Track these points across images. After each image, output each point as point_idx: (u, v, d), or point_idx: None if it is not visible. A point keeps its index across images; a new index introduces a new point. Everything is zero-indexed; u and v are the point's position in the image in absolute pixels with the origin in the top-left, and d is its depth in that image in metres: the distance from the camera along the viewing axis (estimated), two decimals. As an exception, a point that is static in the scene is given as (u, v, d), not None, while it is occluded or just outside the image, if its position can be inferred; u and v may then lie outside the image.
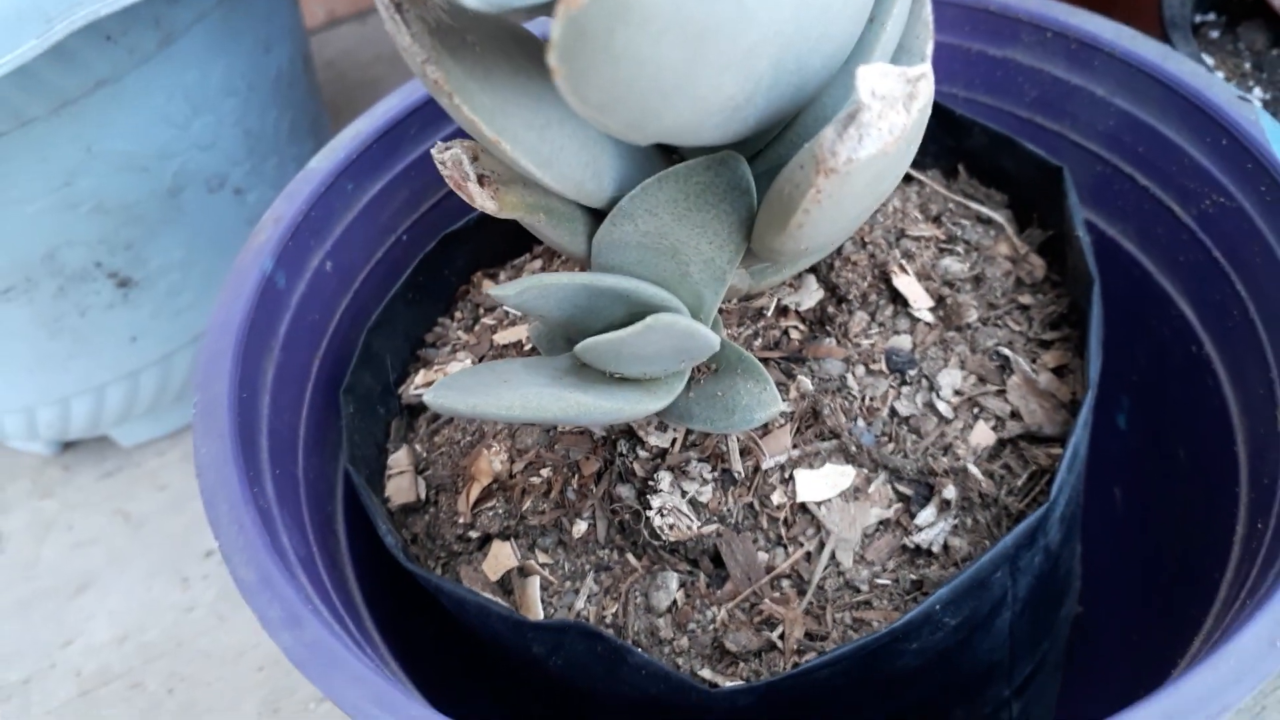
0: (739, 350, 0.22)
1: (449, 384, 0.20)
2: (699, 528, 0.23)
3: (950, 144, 0.28)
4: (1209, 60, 0.33)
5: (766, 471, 0.23)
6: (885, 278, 0.25)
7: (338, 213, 0.27)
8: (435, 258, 0.28)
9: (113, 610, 0.40)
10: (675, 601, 0.23)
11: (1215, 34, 0.35)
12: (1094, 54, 0.27)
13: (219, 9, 0.34)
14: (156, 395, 0.41)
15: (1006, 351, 0.24)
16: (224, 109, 0.36)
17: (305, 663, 0.17)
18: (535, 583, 0.23)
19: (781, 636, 0.22)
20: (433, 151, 0.19)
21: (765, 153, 0.21)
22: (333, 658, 0.17)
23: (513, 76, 0.17)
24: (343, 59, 0.64)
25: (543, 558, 0.24)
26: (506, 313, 0.28)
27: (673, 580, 0.23)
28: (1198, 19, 0.35)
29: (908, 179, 0.28)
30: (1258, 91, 0.32)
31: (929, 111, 0.17)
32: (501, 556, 0.24)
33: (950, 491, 0.22)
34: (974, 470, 0.23)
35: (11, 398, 0.39)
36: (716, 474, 0.23)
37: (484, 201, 0.20)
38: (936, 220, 0.27)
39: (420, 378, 0.27)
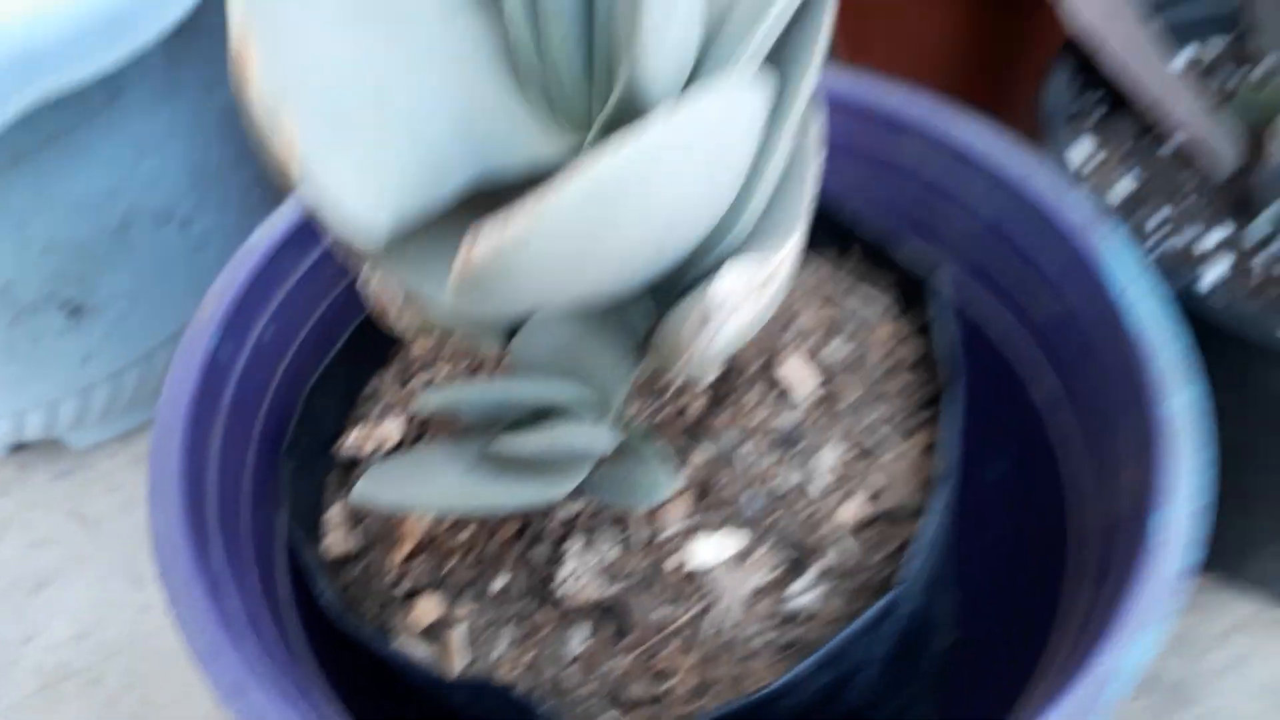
0: (641, 434, 0.25)
1: (375, 477, 0.23)
2: (603, 591, 0.26)
3: (839, 237, 0.31)
4: (1085, 148, 0.36)
5: (665, 538, 0.26)
6: (778, 358, 0.28)
7: (278, 282, 0.30)
8: (371, 319, 0.31)
9: (71, 608, 0.43)
10: (583, 652, 0.26)
11: (1096, 116, 0.38)
12: (968, 161, 0.30)
13: (163, 60, 0.36)
14: (108, 406, 0.44)
15: (880, 432, 0.27)
16: (169, 150, 0.38)
17: (249, 736, 0.20)
18: (458, 632, 0.26)
19: (673, 687, 0.25)
20: (358, 284, 0.22)
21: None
22: (273, 731, 0.20)
23: (431, 247, 0.20)
24: None
25: (465, 609, 0.27)
26: (435, 375, 0.30)
27: (581, 633, 0.26)
28: (1082, 95, 0.38)
29: (807, 260, 0.31)
30: (1124, 183, 0.35)
31: (790, 269, 0.20)
32: (428, 608, 0.27)
33: (822, 561, 0.26)
34: (844, 543, 0.26)
35: (-32, 413, 0.41)
36: (622, 538, 0.26)
37: (404, 327, 0.22)
38: (825, 302, 0.30)
39: (354, 435, 0.30)
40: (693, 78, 0.22)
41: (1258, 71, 0.39)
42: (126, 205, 0.37)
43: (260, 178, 0.44)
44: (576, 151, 0.21)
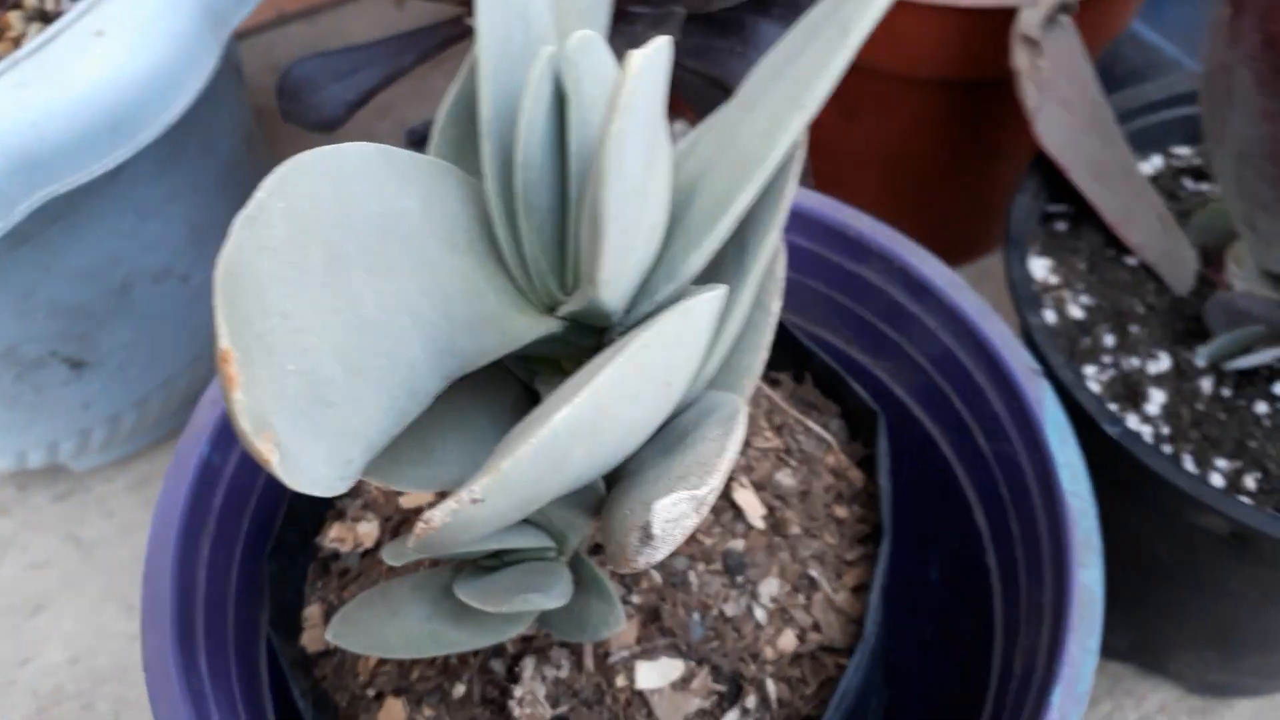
0: (595, 572, 0.27)
1: (346, 619, 0.25)
2: (551, 713, 0.28)
3: (799, 358, 0.32)
4: (1047, 262, 0.38)
5: (613, 661, 0.29)
6: (728, 487, 0.30)
7: (268, 385, 0.31)
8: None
9: (66, 633, 0.45)
10: (532, 760, 0.28)
11: (1062, 226, 0.39)
12: (926, 292, 0.32)
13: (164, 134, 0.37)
14: (106, 442, 0.46)
15: (817, 567, 0.29)
16: (169, 213, 0.40)
17: None
18: (420, 734, 0.29)
19: (612, 800, 0.28)
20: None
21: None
22: None
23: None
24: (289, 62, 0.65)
25: (427, 713, 0.29)
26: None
27: (531, 743, 0.28)
28: (1050, 209, 0.39)
29: (762, 385, 0.33)
30: (1083, 298, 0.37)
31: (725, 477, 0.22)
32: (393, 711, 0.29)
33: (755, 693, 0.28)
34: (776, 677, 0.28)
35: (-28, 452, 0.43)
36: (573, 659, 0.29)
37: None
38: (779, 430, 0.32)
39: (335, 531, 0.32)
40: (654, 267, 0.24)
41: (1217, 188, 0.40)
42: (128, 268, 0.39)
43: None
44: (542, 330, 0.23)
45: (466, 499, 0.17)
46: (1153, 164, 0.42)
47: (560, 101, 0.22)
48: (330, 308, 0.18)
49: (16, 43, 0.35)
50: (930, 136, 0.45)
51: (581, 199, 0.23)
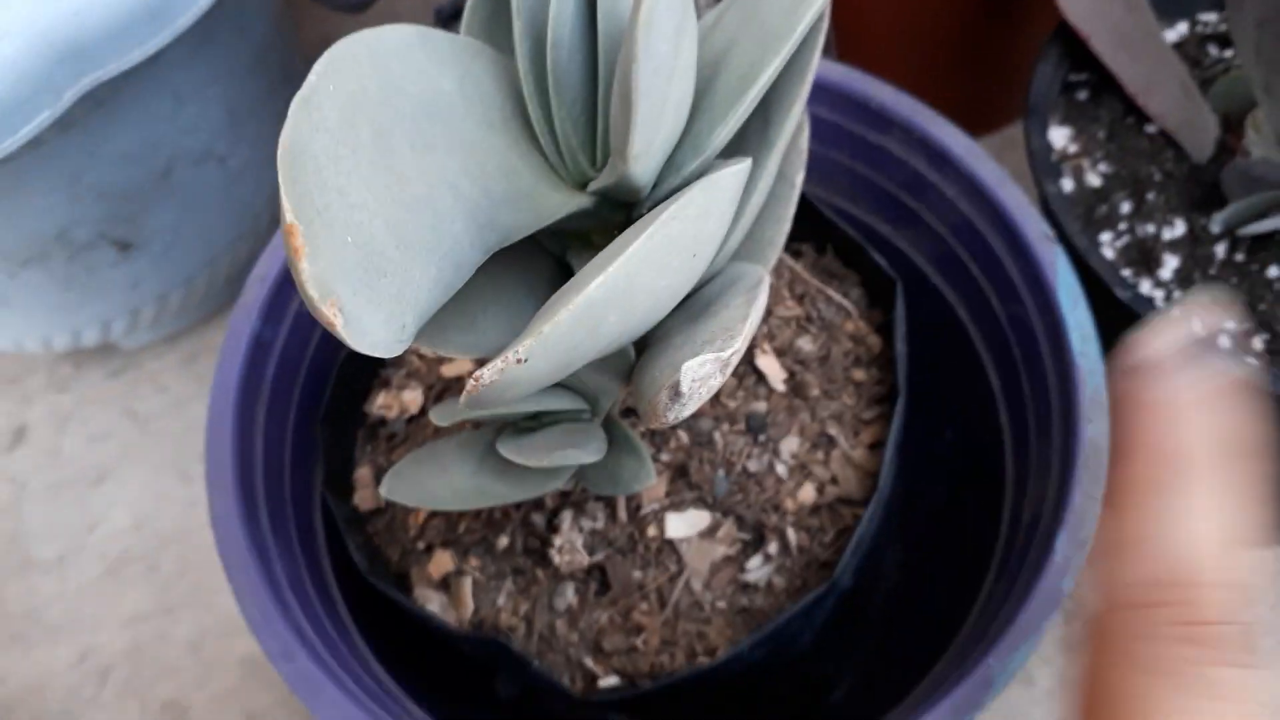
0: (626, 432, 0.29)
1: (398, 475, 0.27)
2: (588, 559, 0.30)
3: (821, 229, 0.34)
4: (1067, 131, 0.38)
5: (645, 513, 0.31)
6: (751, 353, 0.32)
7: (312, 262, 0.33)
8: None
9: (129, 500, 0.48)
10: (571, 605, 0.31)
11: (1084, 95, 0.39)
12: (946, 162, 0.32)
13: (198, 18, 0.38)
14: (155, 319, 0.48)
15: (835, 426, 0.31)
16: (207, 95, 0.40)
17: (299, 690, 0.25)
18: (467, 582, 0.31)
19: (645, 641, 0.30)
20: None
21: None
22: (318, 688, 0.25)
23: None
24: (311, -59, 0.65)
25: (473, 563, 0.31)
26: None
27: (570, 589, 0.31)
28: (1071, 78, 0.39)
29: (784, 256, 0.34)
30: (1102, 166, 0.38)
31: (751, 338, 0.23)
32: (442, 561, 0.31)
33: (777, 541, 0.30)
34: (796, 526, 0.30)
35: (31, 331, 0.45)
36: (607, 511, 0.31)
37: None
38: (800, 299, 0.33)
39: (381, 399, 0.34)
40: (680, 142, 0.25)
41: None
42: (169, 151, 0.40)
43: (288, 108, 0.47)
44: (574, 206, 0.24)
45: (512, 359, 0.19)
46: (1178, 31, 0.42)
47: (589, -22, 0.23)
48: (381, 184, 0.19)
49: (48, -73, 0.35)
50: (953, 4, 0.45)
51: (611, 77, 0.24)
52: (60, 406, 0.51)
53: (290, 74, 0.47)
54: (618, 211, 0.26)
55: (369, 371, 0.34)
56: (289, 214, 0.16)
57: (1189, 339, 0.21)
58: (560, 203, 0.24)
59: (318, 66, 0.18)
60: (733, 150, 0.27)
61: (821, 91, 0.34)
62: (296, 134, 0.17)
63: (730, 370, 0.22)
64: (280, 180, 0.17)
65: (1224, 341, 0.30)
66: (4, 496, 0.48)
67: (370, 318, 0.17)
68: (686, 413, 0.22)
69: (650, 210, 0.25)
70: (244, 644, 0.44)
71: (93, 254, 0.41)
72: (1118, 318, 0.33)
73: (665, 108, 0.21)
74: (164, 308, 0.47)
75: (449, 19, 0.38)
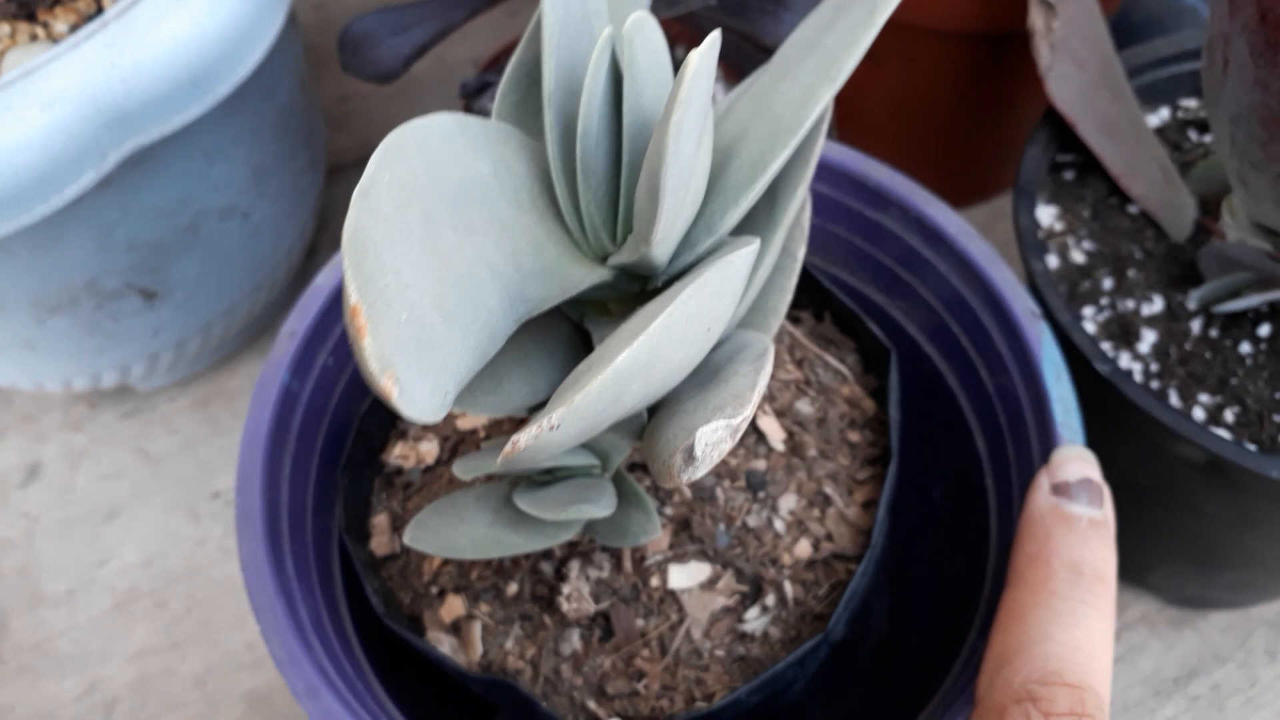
0: (635, 487, 0.31)
1: (420, 525, 0.29)
2: (594, 607, 0.32)
3: (820, 298, 0.36)
4: (1054, 209, 0.40)
5: (648, 565, 0.32)
6: (759, 410, 0.34)
7: (337, 317, 0.35)
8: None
9: (139, 537, 0.49)
10: (576, 650, 0.32)
11: (1070, 175, 0.42)
12: (939, 240, 0.35)
13: (234, 85, 0.40)
14: (172, 364, 0.49)
15: (831, 485, 0.33)
16: (234, 155, 0.42)
17: (322, 729, 0.26)
18: (477, 626, 0.33)
19: (646, 685, 0.32)
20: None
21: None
22: (339, 727, 0.27)
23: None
24: (332, 2, 0.67)
25: (484, 608, 0.33)
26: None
27: (575, 635, 0.32)
28: (1059, 158, 0.42)
29: (786, 322, 0.36)
30: (1086, 244, 0.40)
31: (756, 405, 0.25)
32: (454, 606, 0.33)
33: (774, 593, 0.32)
34: (792, 579, 0.32)
35: (53, 374, 0.46)
36: (613, 561, 0.32)
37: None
38: (800, 363, 0.35)
39: (399, 449, 0.35)
40: (695, 223, 0.27)
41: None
42: (197, 206, 0.42)
43: (308, 165, 0.49)
44: (596, 279, 0.26)
45: (546, 426, 0.21)
46: (1160, 116, 0.44)
47: (615, 75, 0.25)
48: (428, 264, 0.21)
49: (98, 2, 0.37)
50: (951, 84, 0.48)
51: (633, 163, 0.26)
52: (74, 445, 0.52)
53: (312, 133, 0.49)
54: (634, 283, 0.28)
55: (388, 423, 0.36)
56: (354, 296, 0.18)
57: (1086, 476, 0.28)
58: (583, 275, 0.26)
59: (375, 158, 0.20)
60: (741, 228, 0.29)
61: (824, 170, 0.36)
62: (359, 223, 0.19)
63: (740, 435, 0.24)
64: (344, 265, 0.19)
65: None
66: (17, 531, 0.50)
67: (419, 387, 0.19)
68: (699, 474, 0.24)
69: (665, 283, 0.27)
70: (248, 680, 0.46)
71: (119, 302, 0.43)
72: (1097, 389, 0.35)
73: (685, 201, 0.23)
74: (181, 353, 0.48)
75: (474, 93, 0.41)
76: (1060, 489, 0.28)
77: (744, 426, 0.24)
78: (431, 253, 0.21)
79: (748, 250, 0.25)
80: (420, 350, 0.19)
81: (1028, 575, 0.27)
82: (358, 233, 0.19)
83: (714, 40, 0.21)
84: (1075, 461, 0.29)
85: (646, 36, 0.25)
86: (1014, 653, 0.25)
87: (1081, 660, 0.24)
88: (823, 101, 0.26)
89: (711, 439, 0.23)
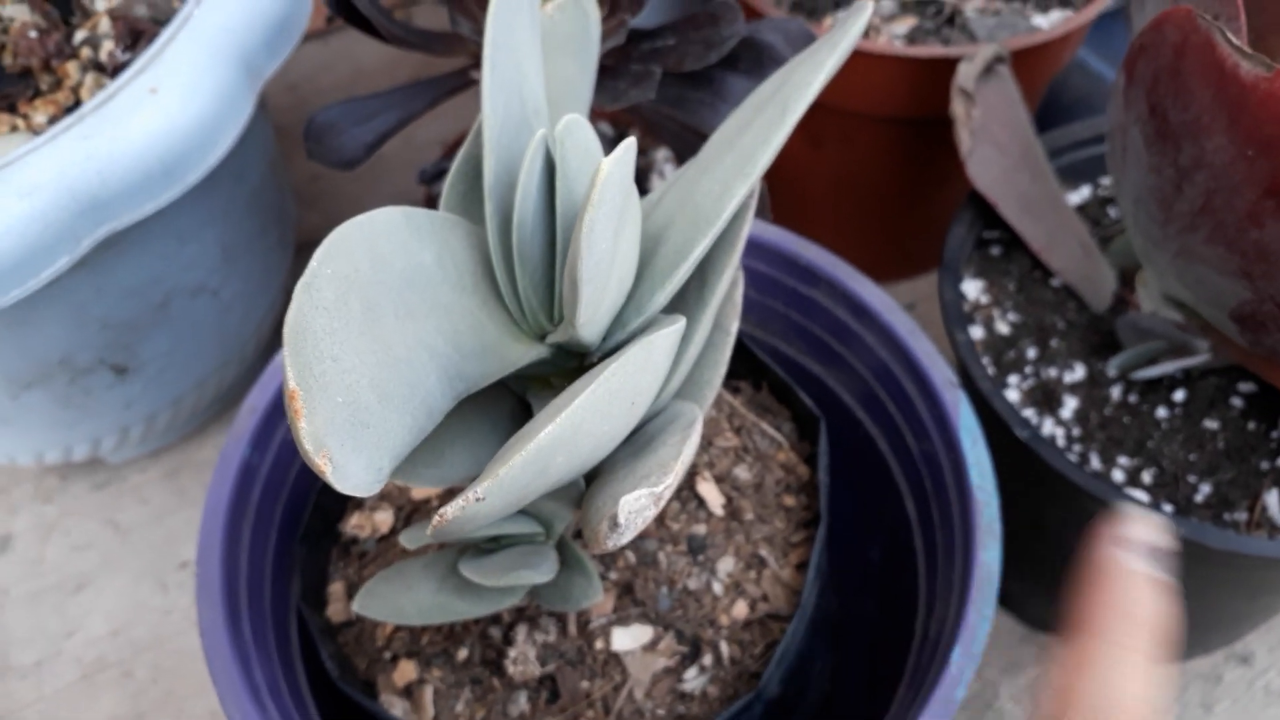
0: (578, 554, 0.32)
1: (369, 593, 0.30)
2: (540, 670, 0.33)
3: (757, 369, 0.38)
4: (980, 283, 0.43)
5: (593, 629, 0.34)
6: (693, 480, 0.36)
7: (298, 393, 0.37)
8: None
9: (106, 608, 0.50)
10: (524, 712, 0.34)
11: (996, 251, 0.44)
12: (865, 314, 0.37)
13: (205, 173, 0.42)
14: (143, 437, 0.51)
15: (766, 548, 0.35)
16: (205, 236, 0.44)
17: (272, 789, 0.28)
18: (429, 690, 0.34)
19: (591, 745, 0.33)
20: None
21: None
22: (289, 787, 0.28)
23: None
24: (304, 84, 0.70)
25: (435, 672, 0.34)
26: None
27: (523, 697, 0.34)
28: (986, 235, 0.44)
29: (729, 387, 0.38)
30: (1011, 315, 0.42)
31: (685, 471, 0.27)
32: (406, 671, 0.34)
33: (712, 653, 0.33)
34: (729, 640, 0.33)
35: (25, 447, 0.48)
36: (558, 626, 0.34)
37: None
38: (738, 431, 0.37)
39: (355, 519, 0.37)
40: (626, 304, 0.29)
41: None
42: (168, 285, 0.44)
43: (277, 244, 0.51)
44: (533, 356, 0.28)
45: (472, 498, 0.22)
46: (1081, 194, 0.47)
47: (550, 168, 0.27)
48: (368, 350, 0.23)
49: (75, 91, 0.40)
50: (886, 165, 0.50)
51: (567, 250, 0.28)
52: (45, 517, 0.53)
53: (281, 212, 0.51)
54: (572, 359, 0.30)
55: (344, 494, 0.37)
56: (292, 381, 0.20)
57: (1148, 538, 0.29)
58: (521, 353, 0.28)
59: (319, 253, 0.22)
60: (674, 306, 0.31)
61: (760, 249, 0.39)
62: (299, 315, 0.21)
63: (664, 502, 0.26)
64: (285, 353, 0.21)
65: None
66: (-13, 603, 0.51)
67: (353, 464, 0.21)
68: (624, 541, 0.25)
69: (600, 359, 0.29)
70: (213, 750, 0.46)
71: (91, 377, 0.44)
72: (1019, 454, 0.37)
73: (607, 286, 0.25)
74: (152, 426, 0.50)
75: (432, 179, 0.43)
76: (1123, 543, 0.29)
77: (668, 494, 0.26)
78: (371, 339, 0.23)
79: (670, 330, 0.27)
80: (355, 430, 0.21)
81: (1088, 624, 0.28)
82: (298, 323, 0.21)
83: (628, 146, 0.23)
84: (1140, 522, 0.30)
85: (577, 138, 0.27)
86: (1075, 701, 0.26)
87: (1140, 712, 0.26)
88: (738, 196, 0.28)
89: (634, 507, 0.25)
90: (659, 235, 0.30)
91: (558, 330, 0.28)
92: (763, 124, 0.29)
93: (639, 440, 0.30)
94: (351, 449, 0.21)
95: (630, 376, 0.26)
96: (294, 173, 0.65)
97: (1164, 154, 0.33)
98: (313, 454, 0.20)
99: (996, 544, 0.31)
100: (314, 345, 0.21)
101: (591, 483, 0.30)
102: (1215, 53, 0.29)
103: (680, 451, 0.28)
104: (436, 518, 0.22)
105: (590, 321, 0.26)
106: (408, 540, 0.30)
